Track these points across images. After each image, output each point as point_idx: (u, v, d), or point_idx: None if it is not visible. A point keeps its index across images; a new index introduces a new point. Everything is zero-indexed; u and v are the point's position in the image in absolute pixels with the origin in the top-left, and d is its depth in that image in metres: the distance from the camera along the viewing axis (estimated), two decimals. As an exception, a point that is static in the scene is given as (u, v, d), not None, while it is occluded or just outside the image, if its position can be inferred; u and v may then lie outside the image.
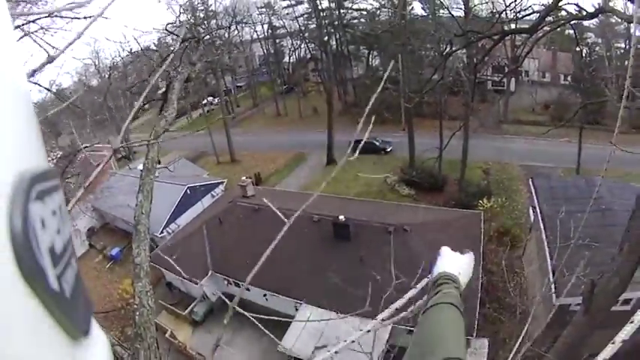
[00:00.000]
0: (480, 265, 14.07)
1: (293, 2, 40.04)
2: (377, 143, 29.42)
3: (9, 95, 0.33)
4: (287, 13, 41.12)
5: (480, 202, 18.76)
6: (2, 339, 0.27)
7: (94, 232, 28.22)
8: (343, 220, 15.99)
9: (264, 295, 16.72)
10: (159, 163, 2.67)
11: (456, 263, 1.21)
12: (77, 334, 0.37)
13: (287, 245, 16.76)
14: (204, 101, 47.78)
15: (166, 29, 5.42)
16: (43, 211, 0.34)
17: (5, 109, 0.32)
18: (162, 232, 22.88)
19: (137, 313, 1.99)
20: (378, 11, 37.97)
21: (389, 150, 29.90)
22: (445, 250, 1.26)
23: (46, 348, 0.33)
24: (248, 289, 16.85)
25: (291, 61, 47.89)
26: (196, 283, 17.60)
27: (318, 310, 14.23)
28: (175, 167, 30.91)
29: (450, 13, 22.27)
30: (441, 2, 28.46)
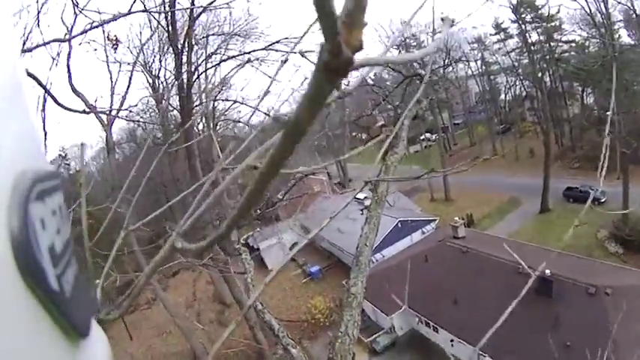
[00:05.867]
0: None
1: (502, 37, 38.69)
2: (592, 191, 26.00)
3: (9, 97, 0.34)
4: (498, 48, 39.70)
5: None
6: (2, 339, 0.27)
7: (298, 247, 30.89)
8: (549, 275, 14.72)
9: (451, 341, 15.91)
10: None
11: None
12: (77, 335, 0.37)
13: (489, 293, 15.79)
14: (422, 137, 47.73)
15: (388, 66, 5.56)
16: (43, 212, 0.34)
17: (5, 111, 0.32)
18: (365, 260, 23.80)
19: (339, 341, 1.86)
20: (587, 42, 33.23)
21: (603, 201, 25.71)
22: None
23: (45, 348, 0.33)
24: (436, 331, 16.52)
25: (507, 99, 45.64)
26: (387, 315, 17.72)
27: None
28: (393, 200, 32.17)
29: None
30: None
